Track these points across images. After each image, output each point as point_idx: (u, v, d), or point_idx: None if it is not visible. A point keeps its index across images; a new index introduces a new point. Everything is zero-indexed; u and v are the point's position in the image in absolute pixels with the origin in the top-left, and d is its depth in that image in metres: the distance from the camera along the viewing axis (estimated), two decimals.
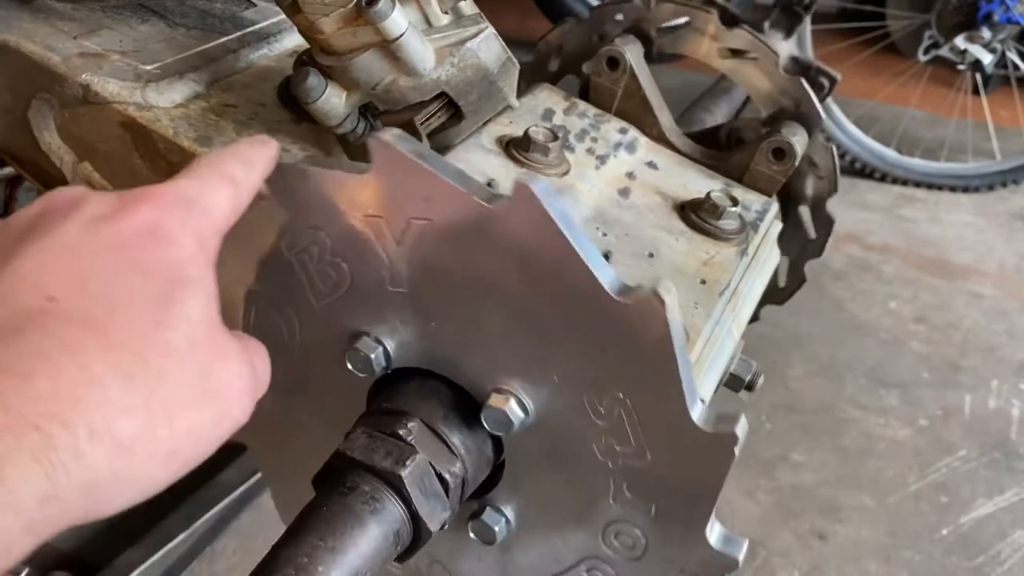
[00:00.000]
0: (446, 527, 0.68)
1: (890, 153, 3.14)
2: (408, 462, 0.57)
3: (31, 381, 0.37)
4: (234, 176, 0.53)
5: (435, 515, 0.59)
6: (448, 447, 0.60)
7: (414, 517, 0.58)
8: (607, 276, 0.52)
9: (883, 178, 3.12)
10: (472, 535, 0.63)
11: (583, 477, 0.61)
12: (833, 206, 0.98)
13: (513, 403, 0.59)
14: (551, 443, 0.61)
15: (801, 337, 2.29)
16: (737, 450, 0.53)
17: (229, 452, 1.72)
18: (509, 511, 0.64)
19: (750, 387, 0.83)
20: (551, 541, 0.65)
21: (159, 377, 0.41)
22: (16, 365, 0.37)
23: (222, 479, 1.64)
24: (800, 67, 0.94)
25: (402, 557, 0.59)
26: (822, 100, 0.89)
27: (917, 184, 3.13)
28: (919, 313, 2.46)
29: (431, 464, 0.59)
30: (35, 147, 0.83)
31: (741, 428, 0.53)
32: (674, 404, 0.54)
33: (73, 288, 0.41)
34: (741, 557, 0.58)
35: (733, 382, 0.82)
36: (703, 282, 0.76)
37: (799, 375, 2.18)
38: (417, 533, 0.58)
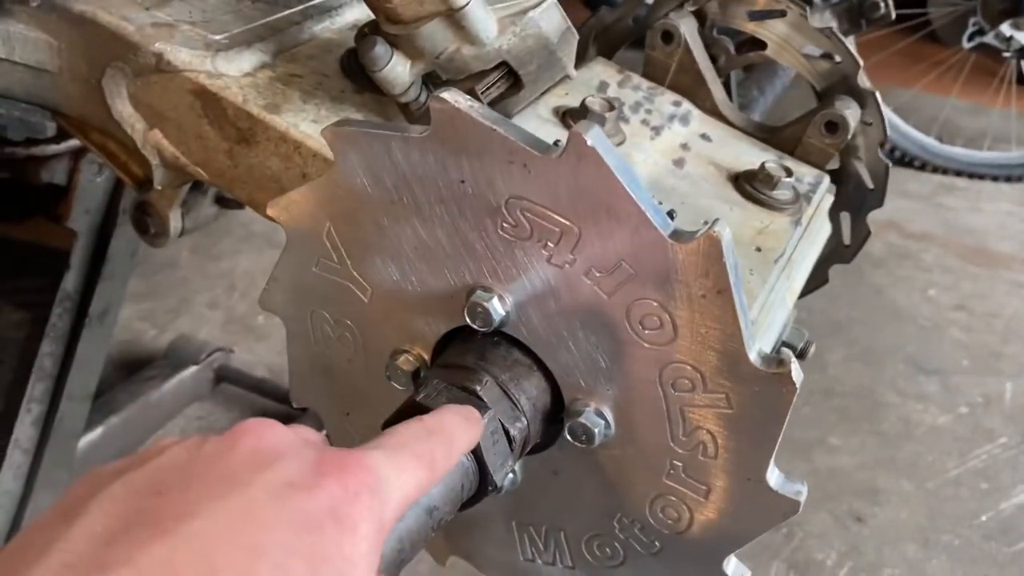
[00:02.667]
0: (505, 486, 0.71)
1: (930, 142, 3.11)
2: (481, 417, 0.59)
3: None
4: (434, 459, 0.51)
5: (500, 468, 0.61)
6: (515, 406, 0.63)
7: (481, 469, 0.60)
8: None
9: (923, 167, 3.10)
10: (569, 437, 0.65)
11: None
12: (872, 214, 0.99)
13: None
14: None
15: (839, 322, 2.29)
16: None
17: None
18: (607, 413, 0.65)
19: (802, 355, 0.84)
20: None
21: None
22: None
23: None
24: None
25: (464, 506, 0.61)
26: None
27: (958, 173, 3.10)
28: (959, 301, 2.44)
29: (500, 421, 0.61)
30: (107, 115, 0.86)
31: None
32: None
33: (239, 566, 0.38)
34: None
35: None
36: (758, 250, 0.77)
37: (837, 360, 2.18)
38: (482, 484, 0.61)
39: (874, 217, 1.01)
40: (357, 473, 0.45)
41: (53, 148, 1.17)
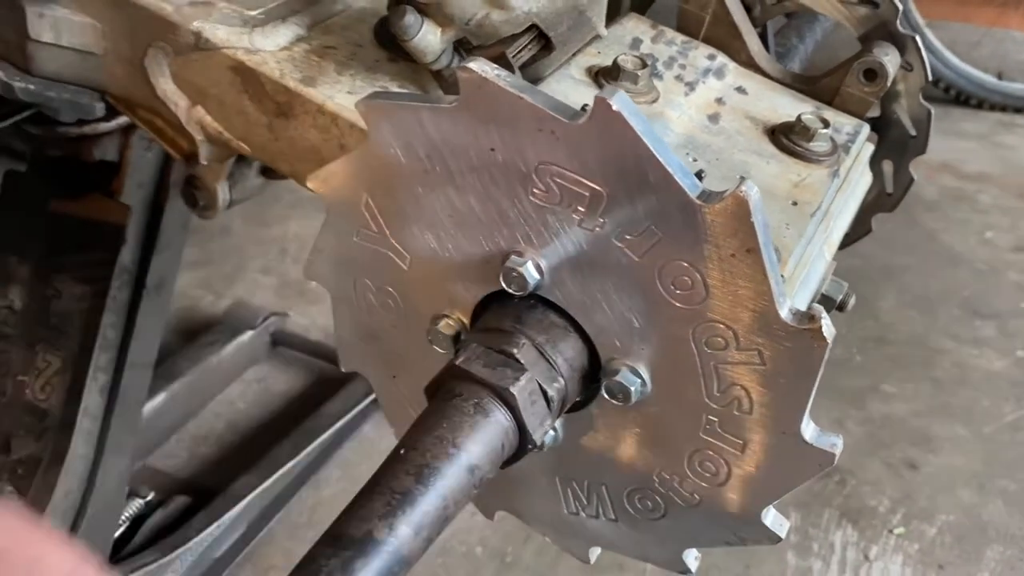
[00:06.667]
0: (545, 444, 0.73)
1: (988, 79, 3.01)
2: (519, 379, 0.61)
3: None
4: None
5: (539, 427, 0.63)
6: (552, 367, 0.64)
7: (520, 428, 0.62)
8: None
9: (980, 105, 3.01)
10: (606, 396, 0.66)
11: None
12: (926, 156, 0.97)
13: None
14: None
15: (892, 269, 2.25)
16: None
17: (332, 385, 1.80)
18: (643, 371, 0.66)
19: (841, 307, 0.84)
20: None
21: None
22: None
23: (326, 411, 1.72)
24: None
25: (505, 464, 0.63)
26: None
27: (1017, 110, 3.00)
28: (1017, 242, 2.39)
29: (538, 382, 0.63)
30: (152, 93, 0.89)
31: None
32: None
33: None
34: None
35: (825, 303, 0.83)
36: (794, 203, 0.77)
37: (890, 307, 2.15)
38: (522, 444, 0.63)
39: (927, 159, 0.98)
40: None
41: (104, 126, 1.20)
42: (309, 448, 1.65)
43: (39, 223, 1.24)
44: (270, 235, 2.35)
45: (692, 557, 0.74)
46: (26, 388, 1.26)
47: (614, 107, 0.55)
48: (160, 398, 1.71)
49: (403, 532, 0.54)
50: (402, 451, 0.58)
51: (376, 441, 1.75)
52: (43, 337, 1.25)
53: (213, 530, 1.49)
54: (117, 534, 1.42)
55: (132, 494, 1.52)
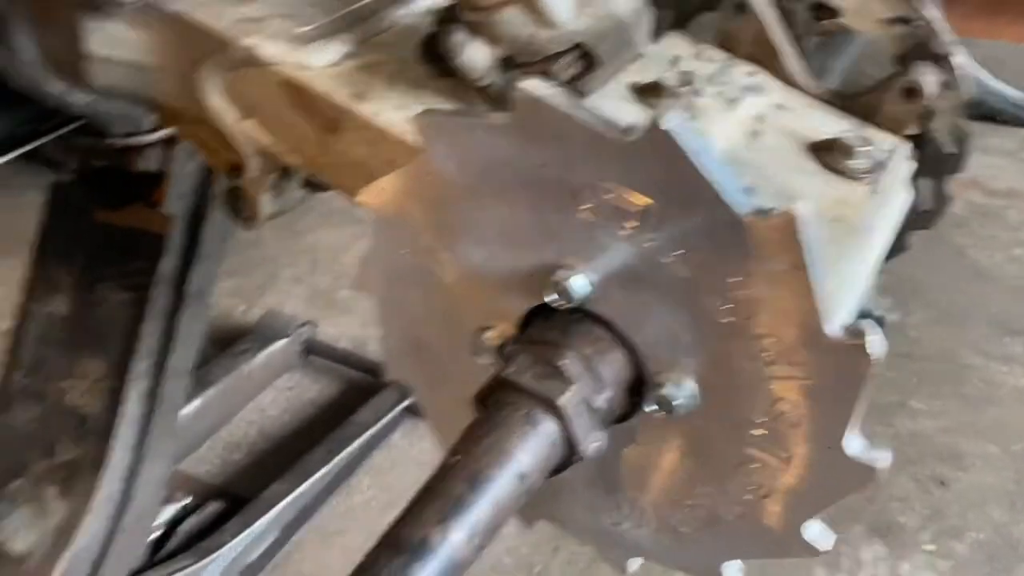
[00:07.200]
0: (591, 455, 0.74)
1: (1017, 94, 3.00)
2: (567, 391, 0.62)
3: None
4: None
5: (586, 439, 0.64)
6: (599, 379, 0.65)
7: (568, 439, 0.63)
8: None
9: (1008, 121, 3.00)
10: (651, 408, 0.67)
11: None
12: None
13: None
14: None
15: (920, 285, 2.25)
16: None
17: (363, 393, 1.82)
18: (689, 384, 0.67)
19: (879, 324, 0.85)
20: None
21: None
22: None
23: (357, 419, 1.74)
24: None
25: (552, 474, 0.65)
26: None
27: None
28: None
29: (585, 394, 0.64)
30: (202, 108, 0.91)
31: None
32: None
33: None
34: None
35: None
36: (836, 220, 0.78)
37: (918, 323, 2.14)
38: (569, 454, 0.64)
39: (956, 175, 0.99)
40: None
41: (147, 137, 1.23)
42: (340, 455, 1.67)
43: (84, 232, 1.27)
44: (301, 245, 2.37)
45: (735, 569, 0.74)
46: (68, 394, 1.29)
47: (666, 127, 0.56)
48: (194, 405, 1.74)
49: (457, 538, 0.56)
50: (455, 458, 0.60)
51: (406, 449, 1.76)
52: (86, 343, 1.28)
53: (246, 536, 1.51)
54: (153, 538, 1.44)
55: (167, 499, 1.54)
